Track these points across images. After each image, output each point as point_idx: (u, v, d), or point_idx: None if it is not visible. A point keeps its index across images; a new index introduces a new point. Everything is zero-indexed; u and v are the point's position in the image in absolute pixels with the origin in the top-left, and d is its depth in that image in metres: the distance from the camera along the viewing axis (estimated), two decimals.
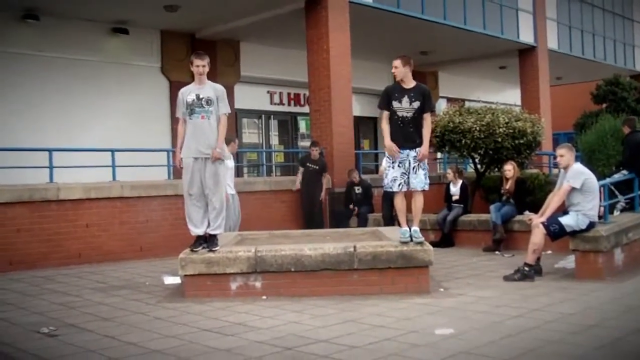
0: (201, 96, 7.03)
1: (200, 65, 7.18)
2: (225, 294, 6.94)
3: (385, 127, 7.14)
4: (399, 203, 7.23)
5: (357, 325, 5.61)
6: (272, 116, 19.18)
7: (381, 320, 5.72)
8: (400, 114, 7.05)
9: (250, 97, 17.90)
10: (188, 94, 7.10)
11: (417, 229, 7.11)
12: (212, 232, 7.12)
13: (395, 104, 7.06)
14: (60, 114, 13.69)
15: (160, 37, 15.76)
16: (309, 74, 14.11)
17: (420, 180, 7.14)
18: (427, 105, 7.10)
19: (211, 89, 7.15)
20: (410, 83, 7.15)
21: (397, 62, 7.14)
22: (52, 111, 13.59)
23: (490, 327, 5.42)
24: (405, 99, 7.02)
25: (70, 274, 8.93)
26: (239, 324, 5.74)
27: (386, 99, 7.13)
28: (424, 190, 7.17)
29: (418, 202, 7.15)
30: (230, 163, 8.90)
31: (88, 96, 14.30)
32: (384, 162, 12.43)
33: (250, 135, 18.83)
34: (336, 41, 13.69)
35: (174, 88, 15.87)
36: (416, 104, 7.03)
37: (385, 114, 7.15)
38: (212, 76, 16.09)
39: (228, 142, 8.26)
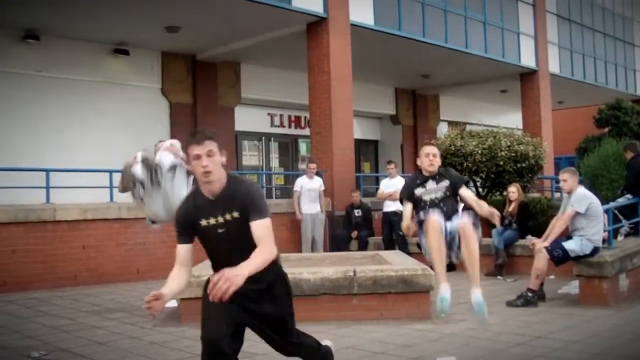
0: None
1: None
2: None
3: (407, 209, 5.72)
4: (434, 240, 5.21)
5: (356, 352, 5.47)
6: (272, 138, 19.12)
7: (382, 347, 5.58)
8: (426, 197, 5.62)
9: (251, 119, 17.85)
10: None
11: (480, 295, 5.11)
12: None
13: (418, 190, 5.66)
14: (59, 134, 13.62)
15: (160, 58, 15.73)
16: (309, 96, 14.06)
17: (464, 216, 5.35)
18: (458, 180, 5.68)
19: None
20: (433, 169, 5.71)
21: (435, 150, 5.75)
22: (51, 131, 13.52)
23: (494, 355, 5.28)
24: (430, 182, 5.64)
25: (65, 296, 8.80)
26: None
27: (407, 191, 5.79)
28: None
29: (472, 244, 5.16)
30: None
31: (88, 116, 14.24)
32: (382, 185, 12.42)
33: (250, 157, 18.76)
34: (337, 63, 13.67)
35: (174, 109, 15.88)
36: (445, 182, 5.59)
37: (408, 207, 5.72)
38: (212, 98, 16.40)
39: None
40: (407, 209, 5.68)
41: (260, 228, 3.41)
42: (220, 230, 3.51)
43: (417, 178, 5.77)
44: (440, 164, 5.70)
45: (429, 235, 5.10)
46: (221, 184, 3.50)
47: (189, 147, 3.46)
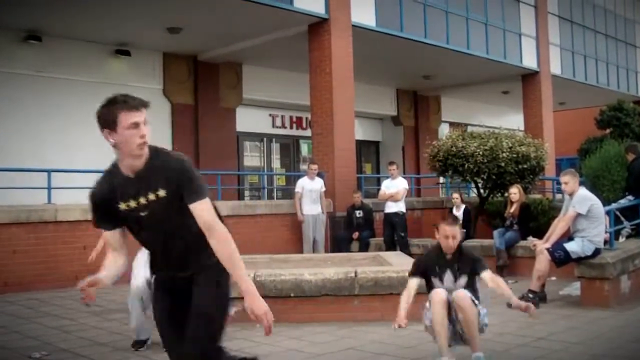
0: None
1: None
2: None
3: (404, 301, 4.98)
4: (438, 313, 4.89)
5: (357, 352, 5.47)
6: (274, 139, 19.12)
7: (383, 348, 5.58)
8: (441, 286, 5.13)
9: (252, 120, 17.86)
10: None
11: (480, 354, 4.88)
12: None
13: (434, 282, 5.14)
14: (61, 134, 13.62)
15: (162, 59, 15.73)
16: (311, 97, 14.06)
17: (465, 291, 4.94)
18: (478, 268, 5.04)
19: None
20: (452, 249, 5.12)
21: (455, 231, 5.11)
22: (52, 132, 13.52)
23: (495, 356, 5.27)
24: (448, 275, 5.08)
25: (66, 297, 8.79)
26: (236, 350, 5.58)
27: (419, 269, 5.24)
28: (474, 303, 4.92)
29: (468, 314, 4.85)
30: None
31: (89, 117, 13.84)
32: (383, 186, 12.41)
33: (252, 158, 18.75)
34: (339, 64, 13.67)
35: (176, 110, 15.88)
36: (463, 280, 5.05)
37: (414, 284, 5.12)
38: (214, 99, 16.40)
39: None
40: (412, 286, 5.08)
41: (205, 212, 3.02)
42: (142, 214, 3.05)
43: (435, 261, 5.16)
44: (459, 242, 5.12)
45: (433, 308, 4.88)
46: (144, 158, 3.06)
47: (121, 114, 2.95)
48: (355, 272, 6.87)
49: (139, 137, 2.95)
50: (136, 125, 2.95)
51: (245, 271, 3.10)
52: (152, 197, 3.02)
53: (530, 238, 9.62)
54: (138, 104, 2.99)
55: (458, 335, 4.93)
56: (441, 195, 19.03)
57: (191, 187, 3.02)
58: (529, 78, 20.11)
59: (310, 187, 12.23)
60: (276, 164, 19.40)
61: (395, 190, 11.99)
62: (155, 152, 3.07)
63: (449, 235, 5.04)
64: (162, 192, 3.01)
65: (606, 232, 7.90)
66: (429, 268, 5.14)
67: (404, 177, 13.08)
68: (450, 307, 4.91)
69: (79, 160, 12.79)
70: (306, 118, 18.43)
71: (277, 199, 17.69)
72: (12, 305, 8.16)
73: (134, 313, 5.73)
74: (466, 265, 5.05)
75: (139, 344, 5.73)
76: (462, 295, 4.84)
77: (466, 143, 11.98)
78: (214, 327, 3.23)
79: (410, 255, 9.89)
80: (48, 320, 7.15)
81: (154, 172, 3.02)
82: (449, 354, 4.81)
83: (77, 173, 11.76)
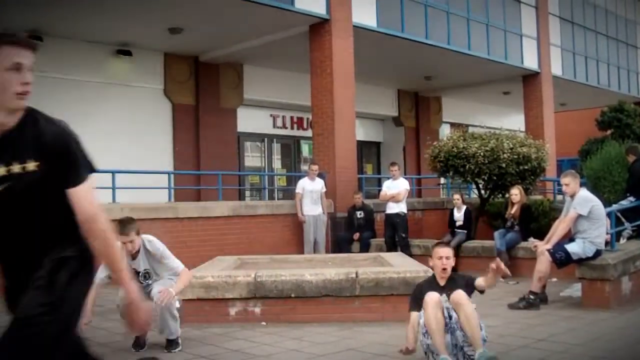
0: (138, 271, 5.70)
1: (127, 242, 5.46)
2: (224, 320, 6.80)
3: (410, 332, 5.03)
4: (432, 313, 4.82)
5: (358, 353, 5.46)
6: (274, 139, 19.11)
7: (383, 349, 5.57)
8: None
9: (253, 121, 17.86)
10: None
11: (484, 349, 4.74)
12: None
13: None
14: None
15: (163, 60, 15.73)
16: (312, 97, 14.06)
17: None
18: (471, 279, 5.15)
19: (144, 259, 5.70)
20: (447, 272, 5.16)
21: (449, 252, 5.19)
22: None
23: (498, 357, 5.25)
24: (443, 296, 5.01)
25: None
26: (237, 351, 5.60)
27: (416, 301, 5.12)
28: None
29: (467, 309, 4.81)
30: None
31: (90, 117, 14.23)
32: (385, 187, 12.41)
33: (252, 158, 18.75)
34: (340, 65, 13.66)
35: (177, 110, 15.89)
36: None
37: (415, 315, 5.06)
38: (215, 99, 16.40)
39: None
40: (414, 319, 5.01)
41: (87, 200, 2.42)
42: None
43: (427, 288, 5.09)
44: (453, 265, 5.15)
45: (427, 308, 4.81)
46: (18, 116, 2.40)
47: (2, 48, 2.33)
48: (356, 273, 6.86)
49: (20, 84, 2.34)
50: (19, 67, 2.34)
51: (126, 272, 2.58)
52: (16, 169, 2.32)
53: (531, 239, 9.62)
54: (30, 43, 2.41)
55: (459, 349, 4.89)
56: (442, 196, 19.03)
57: (74, 165, 2.41)
58: (529, 79, 20.11)
59: (310, 187, 12.23)
60: (277, 164, 19.40)
61: (396, 191, 11.98)
62: (32, 112, 2.44)
63: (443, 256, 5.07)
64: (31, 165, 2.32)
65: (607, 233, 7.89)
66: (423, 294, 5.01)
67: (405, 178, 13.07)
68: (447, 321, 4.82)
69: None
70: (307, 118, 18.44)
71: (277, 199, 17.69)
72: None
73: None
74: (459, 283, 5.05)
75: None
76: (458, 294, 4.84)
77: (467, 144, 11.98)
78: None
79: (411, 256, 9.89)
80: None
81: (26, 137, 2.35)
82: (446, 353, 4.73)
83: None
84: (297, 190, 12.39)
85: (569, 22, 21.91)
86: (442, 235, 11.42)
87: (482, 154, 11.67)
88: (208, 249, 10.67)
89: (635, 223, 9.46)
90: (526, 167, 11.86)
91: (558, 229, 7.78)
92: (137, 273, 5.64)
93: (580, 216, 7.53)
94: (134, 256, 5.62)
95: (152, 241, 5.70)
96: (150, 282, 5.74)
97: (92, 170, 2.48)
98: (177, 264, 5.74)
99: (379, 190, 13.52)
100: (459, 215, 11.49)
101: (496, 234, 10.42)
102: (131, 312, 2.48)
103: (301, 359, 5.29)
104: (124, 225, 5.48)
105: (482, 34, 17.90)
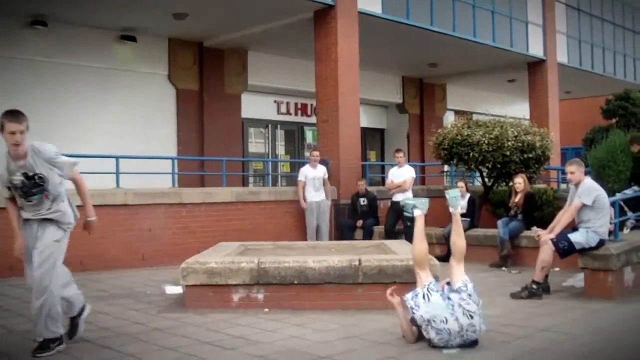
0: (30, 174, 5.13)
1: (17, 131, 4.96)
2: (227, 306, 6.82)
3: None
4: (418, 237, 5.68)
5: (360, 341, 5.47)
6: (278, 126, 19.11)
7: (385, 337, 5.59)
8: None
9: (257, 107, 17.84)
10: (9, 175, 5.10)
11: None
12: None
13: None
14: (66, 120, 13.62)
15: (168, 45, 15.70)
16: (316, 84, 14.02)
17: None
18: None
19: (35, 160, 5.10)
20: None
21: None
22: (58, 117, 13.51)
23: (497, 347, 5.27)
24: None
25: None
26: (239, 337, 5.62)
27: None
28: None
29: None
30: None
31: (94, 102, 14.26)
32: (390, 175, 12.39)
33: (256, 144, 18.74)
34: (345, 51, 13.61)
35: (181, 96, 15.87)
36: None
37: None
38: (219, 85, 16.38)
39: None
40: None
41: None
42: None
43: None
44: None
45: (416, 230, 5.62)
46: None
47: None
48: (359, 260, 6.87)
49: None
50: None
51: None
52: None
53: (535, 228, 9.59)
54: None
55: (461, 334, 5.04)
56: (445, 183, 19.01)
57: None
58: (535, 66, 20.04)
59: (312, 174, 12.22)
60: (281, 150, 19.40)
61: (402, 179, 11.97)
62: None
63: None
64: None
65: (611, 223, 7.87)
66: None
67: (411, 165, 13.04)
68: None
69: (84, 144, 12.79)
70: (311, 105, 18.43)
71: (281, 185, 17.70)
72: (17, 288, 8.18)
73: None
74: None
75: None
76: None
77: (471, 131, 11.95)
78: None
79: None
80: None
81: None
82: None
83: (82, 158, 11.80)
84: (299, 178, 12.39)
85: (575, 9, 21.80)
86: (446, 223, 11.40)
87: (486, 141, 11.65)
88: (211, 234, 10.69)
89: (639, 213, 9.46)
90: (530, 156, 11.82)
91: (562, 219, 7.75)
92: (31, 178, 5.11)
93: (584, 205, 7.51)
94: (22, 156, 5.06)
95: (41, 144, 5.16)
96: (45, 186, 5.18)
97: None
98: (69, 160, 5.37)
99: (383, 177, 13.50)
100: (462, 203, 11.47)
101: (499, 222, 10.41)
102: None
103: (304, 345, 5.31)
104: (17, 114, 4.98)
105: (487, 21, 17.81)
